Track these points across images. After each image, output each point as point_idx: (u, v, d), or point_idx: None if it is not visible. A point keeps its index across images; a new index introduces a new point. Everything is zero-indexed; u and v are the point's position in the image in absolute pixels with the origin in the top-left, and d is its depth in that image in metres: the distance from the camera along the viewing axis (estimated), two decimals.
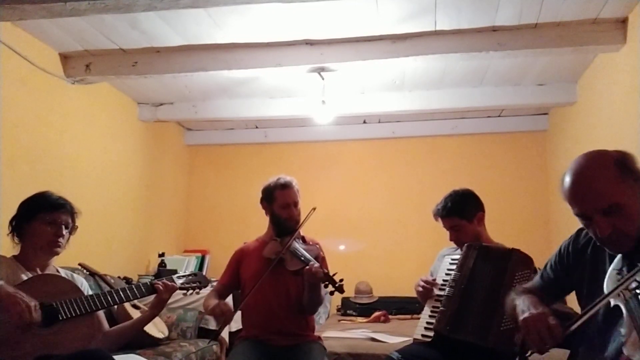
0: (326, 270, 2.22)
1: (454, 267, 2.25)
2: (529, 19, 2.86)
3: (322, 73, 3.33)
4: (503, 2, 2.70)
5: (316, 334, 2.52)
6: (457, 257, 2.28)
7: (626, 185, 1.31)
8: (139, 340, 2.73)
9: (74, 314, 1.84)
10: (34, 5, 2.37)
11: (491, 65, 3.55)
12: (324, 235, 2.57)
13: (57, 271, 2.10)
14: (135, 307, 2.90)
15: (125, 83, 3.86)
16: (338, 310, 4.54)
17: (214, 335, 2.84)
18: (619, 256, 1.37)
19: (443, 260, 2.40)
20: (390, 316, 4.08)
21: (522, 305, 1.46)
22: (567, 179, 1.37)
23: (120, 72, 3.34)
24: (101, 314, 2.05)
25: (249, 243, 2.58)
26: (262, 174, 2.80)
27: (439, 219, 2.40)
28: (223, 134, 5.18)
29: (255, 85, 3.90)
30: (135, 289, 2.04)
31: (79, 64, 3.35)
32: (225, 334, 3.41)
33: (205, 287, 2.29)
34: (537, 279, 1.70)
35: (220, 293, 2.45)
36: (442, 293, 2.20)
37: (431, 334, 2.13)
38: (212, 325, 3.42)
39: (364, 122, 4.89)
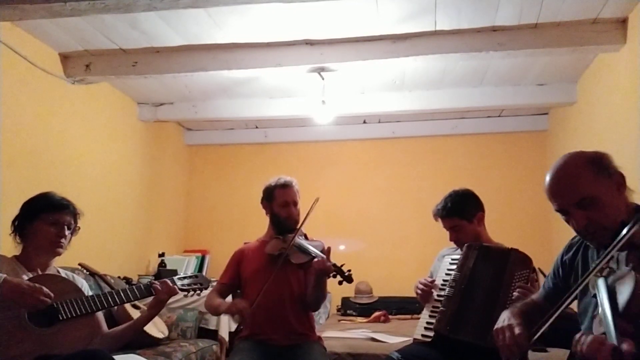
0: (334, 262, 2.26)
1: (454, 267, 2.25)
2: (529, 19, 2.86)
3: (322, 73, 3.33)
4: (503, 2, 2.70)
5: (316, 333, 2.52)
6: (457, 257, 2.28)
7: (600, 181, 1.40)
8: (139, 340, 2.73)
9: (74, 315, 1.85)
10: (34, 5, 2.37)
11: (491, 65, 3.55)
12: (324, 235, 2.57)
13: (58, 272, 2.10)
14: (136, 307, 2.90)
15: (125, 83, 3.86)
16: (338, 310, 4.54)
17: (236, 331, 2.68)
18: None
19: (443, 261, 2.40)
20: (390, 316, 4.08)
21: (503, 316, 1.54)
22: (547, 178, 1.49)
23: (120, 72, 3.35)
24: (100, 315, 2.05)
25: (250, 243, 2.59)
26: (262, 174, 2.80)
27: (439, 219, 2.41)
28: (223, 134, 5.18)
29: (255, 85, 3.90)
30: (135, 290, 2.04)
31: (79, 64, 3.35)
32: (225, 334, 3.41)
33: (206, 288, 2.28)
34: (541, 289, 1.77)
35: (221, 293, 2.45)
36: (442, 293, 2.20)
37: (431, 334, 2.13)
38: (212, 325, 3.42)
39: (364, 122, 4.89)
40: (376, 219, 4.85)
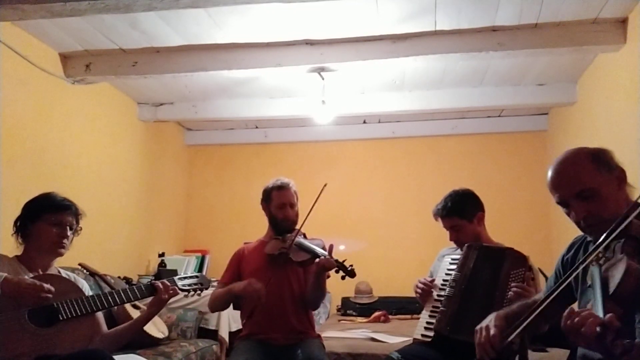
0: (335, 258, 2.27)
1: (454, 267, 2.25)
2: (529, 19, 2.86)
3: (322, 73, 3.33)
4: (503, 2, 2.70)
5: (316, 332, 2.52)
6: (457, 257, 2.29)
7: (600, 174, 1.43)
8: (139, 340, 2.73)
9: (74, 314, 1.85)
10: (34, 5, 2.37)
11: (491, 65, 3.55)
12: (324, 235, 2.57)
13: (59, 272, 2.10)
14: (136, 307, 2.90)
15: (125, 83, 3.86)
16: (338, 310, 4.54)
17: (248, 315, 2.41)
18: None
19: (443, 260, 2.40)
20: (390, 316, 4.08)
21: (489, 317, 1.57)
22: (549, 171, 1.52)
23: (120, 72, 3.34)
24: (100, 315, 2.05)
25: (250, 243, 2.60)
26: (262, 174, 2.81)
27: (439, 219, 2.41)
28: (223, 134, 5.18)
29: (255, 85, 3.90)
30: (135, 290, 2.04)
31: (79, 64, 3.35)
32: (225, 334, 3.42)
33: (207, 289, 2.28)
34: (544, 289, 1.77)
35: None
36: (442, 293, 2.21)
37: (431, 334, 2.13)
38: (212, 325, 3.43)
39: (364, 122, 4.89)
40: (376, 218, 4.86)
